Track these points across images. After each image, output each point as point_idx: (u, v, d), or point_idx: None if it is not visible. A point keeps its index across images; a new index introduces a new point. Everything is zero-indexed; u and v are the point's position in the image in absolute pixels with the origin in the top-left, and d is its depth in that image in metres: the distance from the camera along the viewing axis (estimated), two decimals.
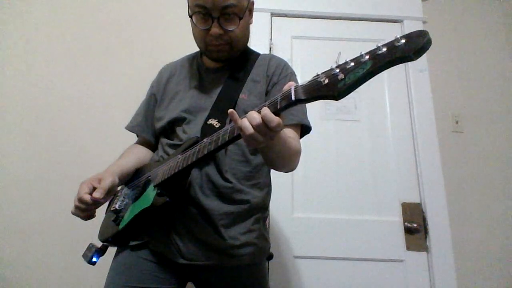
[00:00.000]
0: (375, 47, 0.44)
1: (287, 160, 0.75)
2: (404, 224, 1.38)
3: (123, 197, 0.81)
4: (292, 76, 0.89)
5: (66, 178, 1.40)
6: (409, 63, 1.58)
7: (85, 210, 0.71)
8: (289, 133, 0.77)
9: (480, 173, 1.47)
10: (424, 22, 1.67)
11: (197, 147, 0.67)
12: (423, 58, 1.60)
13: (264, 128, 0.53)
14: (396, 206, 1.41)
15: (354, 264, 1.33)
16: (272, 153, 0.69)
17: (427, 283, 1.31)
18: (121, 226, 0.73)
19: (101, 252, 0.77)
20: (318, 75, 0.50)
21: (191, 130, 0.80)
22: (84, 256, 0.77)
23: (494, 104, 1.58)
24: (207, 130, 0.77)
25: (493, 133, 1.53)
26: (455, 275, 1.31)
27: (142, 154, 0.92)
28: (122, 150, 1.46)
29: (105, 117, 1.48)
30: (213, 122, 0.78)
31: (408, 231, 1.36)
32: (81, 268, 1.30)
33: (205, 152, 0.63)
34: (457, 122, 1.54)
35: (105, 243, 0.78)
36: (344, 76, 0.45)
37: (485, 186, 1.46)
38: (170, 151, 0.82)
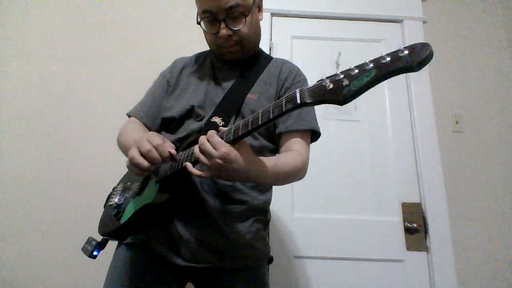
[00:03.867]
0: (379, 55, 0.44)
1: (285, 182, 0.76)
2: (404, 224, 1.38)
3: (123, 191, 0.80)
4: (305, 82, 0.90)
5: (66, 178, 1.40)
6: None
7: (154, 163, 0.64)
8: (293, 145, 0.79)
9: (480, 173, 1.47)
10: (424, 22, 1.67)
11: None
12: None
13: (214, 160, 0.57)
14: (396, 206, 1.41)
15: (354, 264, 1.33)
16: (263, 182, 0.73)
17: (427, 283, 1.31)
18: (122, 221, 0.73)
19: (101, 246, 0.77)
20: (323, 79, 0.50)
21: (200, 125, 0.80)
22: (84, 249, 0.76)
23: (494, 104, 1.58)
24: (210, 127, 0.76)
25: (493, 133, 1.53)
26: (455, 275, 1.31)
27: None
28: None
29: (105, 117, 1.48)
30: (217, 120, 0.78)
31: (408, 231, 1.36)
32: (81, 267, 1.30)
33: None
34: (457, 122, 1.54)
35: (105, 237, 0.77)
36: (348, 82, 0.46)
37: (485, 186, 1.46)
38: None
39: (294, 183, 1.39)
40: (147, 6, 1.67)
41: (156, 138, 0.66)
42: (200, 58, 0.96)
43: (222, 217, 0.75)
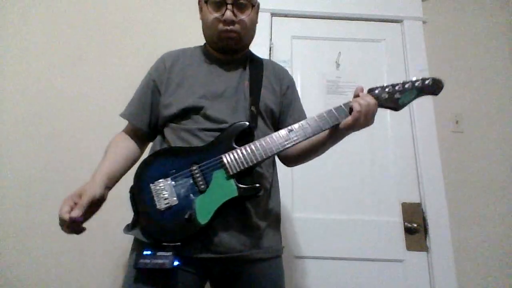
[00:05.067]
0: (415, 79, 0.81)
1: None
2: (404, 224, 1.38)
3: (178, 190, 0.74)
4: (294, 82, 1.01)
5: (66, 178, 1.40)
6: (409, 63, 1.59)
7: (69, 227, 0.70)
8: None
9: (480, 173, 1.47)
10: (424, 22, 1.67)
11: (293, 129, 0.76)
12: (423, 58, 1.60)
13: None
14: (396, 206, 1.41)
15: (354, 264, 1.33)
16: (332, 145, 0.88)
17: (427, 283, 1.31)
18: (204, 222, 0.71)
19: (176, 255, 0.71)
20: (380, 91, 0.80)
21: (217, 114, 0.82)
22: (155, 264, 0.68)
23: (494, 104, 1.58)
24: (252, 116, 0.82)
25: (493, 133, 1.53)
26: (455, 275, 1.31)
27: (128, 151, 0.89)
28: None
29: (105, 117, 1.48)
30: (253, 108, 0.84)
31: (408, 231, 1.36)
32: (81, 268, 1.31)
33: (305, 137, 0.76)
34: (457, 122, 1.54)
35: (169, 244, 0.71)
36: (400, 96, 0.80)
37: (485, 186, 1.46)
38: (191, 137, 0.81)
39: (293, 183, 1.42)
40: (148, 5, 1.67)
41: (63, 205, 0.72)
42: (190, 52, 0.96)
43: (251, 204, 0.79)
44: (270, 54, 1.58)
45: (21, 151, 1.44)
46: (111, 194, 1.37)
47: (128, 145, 0.91)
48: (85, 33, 1.62)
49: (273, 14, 1.66)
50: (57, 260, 1.32)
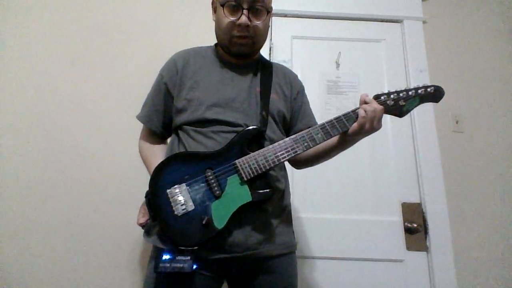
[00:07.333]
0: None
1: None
2: (404, 224, 1.38)
3: (194, 195, 0.75)
4: (303, 87, 1.03)
5: (66, 178, 1.40)
6: (409, 63, 1.59)
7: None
8: None
9: (480, 173, 1.47)
10: (424, 22, 1.67)
11: (304, 135, 0.77)
12: (423, 58, 1.60)
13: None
14: (396, 206, 1.41)
15: (354, 264, 1.33)
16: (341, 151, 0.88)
17: (427, 283, 1.31)
18: (221, 226, 0.73)
19: (195, 257, 0.72)
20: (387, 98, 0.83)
21: (231, 119, 0.83)
22: (176, 268, 0.69)
23: (494, 104, 1.58)
24: (263, 120, 0.84)
25: (493, 133, 1.53)
26: (455, 275, 1.31)
27: (162, 151, 0.93)
28: (122, 149, 1.46)
29: (105, 117, 1.48)
30: (264, 113, 0.85)
31: (408, 231, 1.37)
32: (80, 268, 1.30)
33: (321, 141, 0.77)
34: (457, 122, 1.54)
35: (187, 248, 0.72)
36: (404, 103, 0.82)
37: (485, 186, 1.46)
38: (205, 139, 0.82)
39: (293, 183, 1.42)
40: (149, 5, 1.67)
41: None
42: (199, 53, 0.95)
43: (265, 204, 0.81)
44: (270, 54, 1.58)
45: (21, 151, 1.44)
46: (110, 196, 1.37)
47: (163, 149, 0.94)
48: (86, 34, 1.61)
49: (273, 14, 1.65)
50: (57, 260, 1.32)
